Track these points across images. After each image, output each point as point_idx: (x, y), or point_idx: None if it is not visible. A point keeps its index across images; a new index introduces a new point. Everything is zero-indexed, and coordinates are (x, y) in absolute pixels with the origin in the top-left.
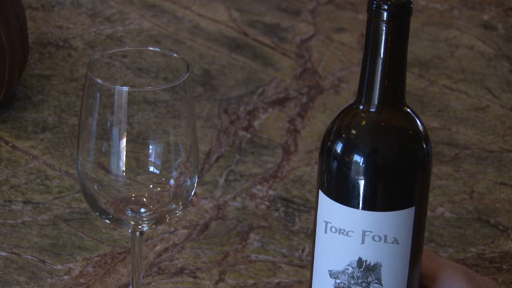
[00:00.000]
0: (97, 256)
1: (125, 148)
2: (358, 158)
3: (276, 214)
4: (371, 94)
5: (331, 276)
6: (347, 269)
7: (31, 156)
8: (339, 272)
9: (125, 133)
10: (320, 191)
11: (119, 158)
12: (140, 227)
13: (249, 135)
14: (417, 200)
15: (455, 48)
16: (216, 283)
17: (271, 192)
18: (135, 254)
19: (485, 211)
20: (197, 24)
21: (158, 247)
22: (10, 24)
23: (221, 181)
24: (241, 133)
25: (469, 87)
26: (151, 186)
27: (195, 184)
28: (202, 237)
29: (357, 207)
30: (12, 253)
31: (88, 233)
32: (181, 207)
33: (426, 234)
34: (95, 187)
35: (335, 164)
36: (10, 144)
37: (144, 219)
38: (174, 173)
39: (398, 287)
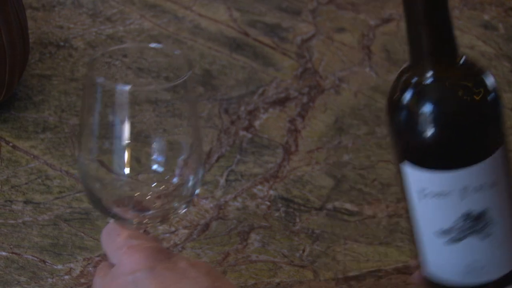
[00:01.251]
0: (98, 256)
1: (127, 147)
2: (447, 118)
3: (277, 214)
4: (424, 51)
5: (439, 236)
6: (454, 226)
7: (32, 156)
8: (447, 230)
9: (127, 132)
10: (406, 163)
11: (121, 157)
12: (143, 225)
13: (249, 135)
14: (502, 139)
15: None
16: None
17: (271, 192)
18: None
19: None
20: (198, 24)
21: None
22: (11, 24)
23: (222, 181)
24: (241, 133)
25: None
26: (154, 184)
27: (199, 183)
28: (202, 237)
29: (453, 168)
30: (12, 253)
31: (88, 233)
32: (185, 205)
33: None
34: (98, 185)
35: (424, 131)
36: (11, 144)
37: (148, 217)
38: (177, 171)
39: (509, 223)
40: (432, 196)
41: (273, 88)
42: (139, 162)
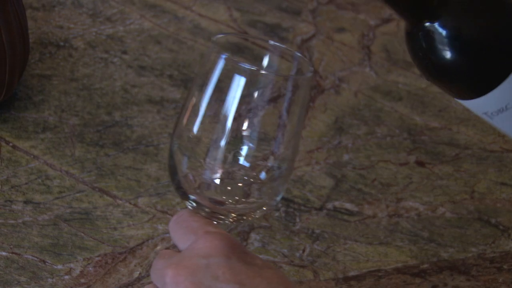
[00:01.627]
0: (98, 256)
1: (227, 135)
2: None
3: (277, 214)
4: None
5: None
6: None
7: (32, 156)
8: None
9: (232, 120)
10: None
11: (218, 142)
12: (215, 216)
13: None
14: None
15: None
16: None
17: None
18: None
19: (486, 211)
20: (198, 24)
21: (159, 247)
22: (11, 24)
23: None
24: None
25: None
26: (240, 179)
27: (283, 188)
28: None
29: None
30: (12, 253)
31: (88, 233)
32: (263, 209)
33: (426, 234)
34: (185, 163)
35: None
36: (11, 144)
37: (223, 210)
38: (263, 174)
39: None
40: (497, 114)
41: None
42: (232, 154)
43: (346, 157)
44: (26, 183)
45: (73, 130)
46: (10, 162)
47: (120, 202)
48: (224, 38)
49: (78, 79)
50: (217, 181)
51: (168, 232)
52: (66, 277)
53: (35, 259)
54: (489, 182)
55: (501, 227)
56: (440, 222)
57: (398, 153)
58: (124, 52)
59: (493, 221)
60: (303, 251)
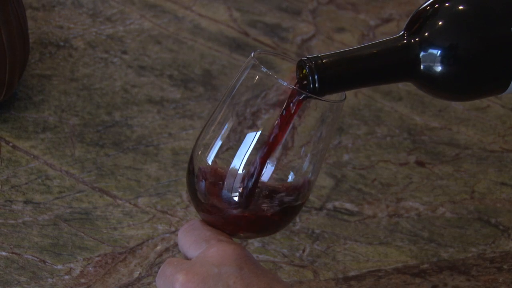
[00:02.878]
0: (98, 256)
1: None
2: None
3: None
4: None
5: None
6: None
7: (32, 156)
8: None
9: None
10: None
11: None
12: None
13: None
14: None
15: None
16: None
17: None
18: None
19: (486, 211)
20: (198, 24)
21: (159, 247)
22: (11, 24)
23: None
24: None
25: None
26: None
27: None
28: None
29: None
30: (12, 253)
31: (88, 233)
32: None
33: (426, 235)
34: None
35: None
36: (11, 144)
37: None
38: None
39: None
40: None
41: (273, 91)
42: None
43: (346, 157)
44: (26, 183)
45: (73, 130)
46: (10, 162)
47: (120, 202)
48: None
49: (78, 79)
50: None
51: (168, 232)
52: (66, 277)
53: (35, 259)
54: (489, 182)
55: (501, 227)
56: (440, 222)
57: (398, 153)
58: (124, 52)
59: (493, 221)
60: (303, 251)
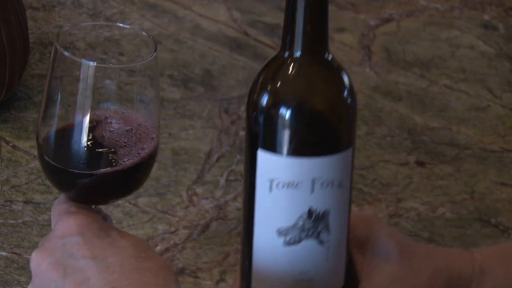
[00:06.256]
0: None
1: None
2: (299, 107)
3: None
4: (293, 40)
5: (280, 235)
6: (297, 223)
7: (32, 156)
8: (289, 228)
9: (89, 108)
10: (259, 150)
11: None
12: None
13: None
14: (352, 140)
15: (456, 48)
16: (217, 283)
17: None
18: None
19: (486, 211)
20: (198, 24)
21: (158, 247)
22: (11, 24)
23: (222, 181)
24: (241, 133)
25: (470, 87)
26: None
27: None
28: (203, 237)
29: (307, 155)
30: (12, 253)
31: None
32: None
33: (426, 234)
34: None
35: (277, 118)
36: (11, 144)
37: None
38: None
39: (342, 231)
40: (282, 187)
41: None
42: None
43: None
44: (26, 183)
45: None
46: (10, 162)
47: (120, 202)
48: None
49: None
50: None
51: (168, 232)
52: None
53: None
54: (489, 182)
55: (501, 227)
56: (440, 222)
57: (398, 153)
58: (121, 54)
59: (493, 221)
60: None
